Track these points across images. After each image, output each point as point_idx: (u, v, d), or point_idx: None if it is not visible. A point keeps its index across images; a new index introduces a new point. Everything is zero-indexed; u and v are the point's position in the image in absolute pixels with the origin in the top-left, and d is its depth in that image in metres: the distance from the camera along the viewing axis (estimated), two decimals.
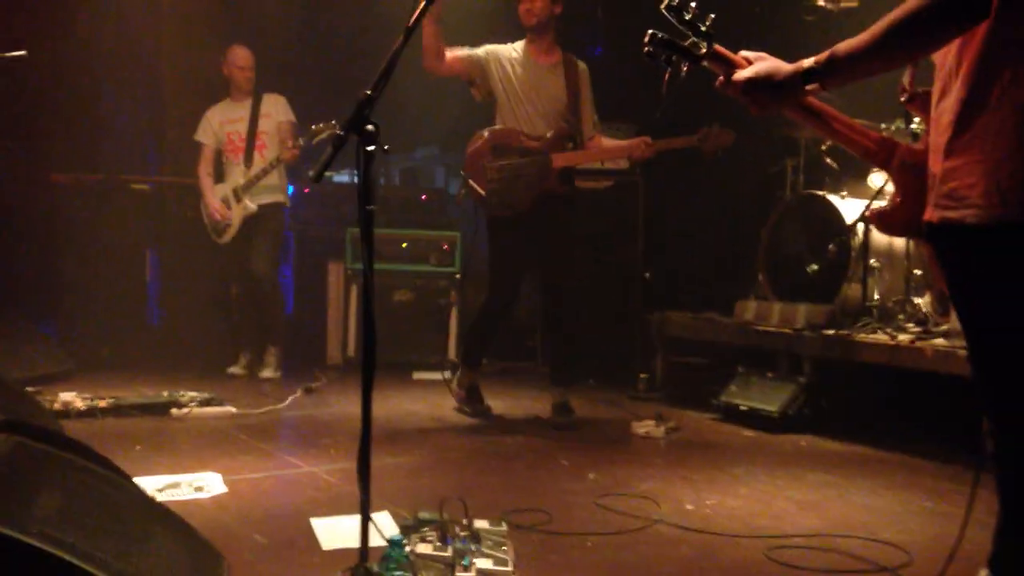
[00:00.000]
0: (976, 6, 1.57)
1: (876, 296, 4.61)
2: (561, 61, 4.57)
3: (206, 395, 4.57)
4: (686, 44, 1.89)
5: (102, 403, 4.34)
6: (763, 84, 1.79)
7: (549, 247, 4.52)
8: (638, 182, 5.99)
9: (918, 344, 4.04)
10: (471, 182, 4.45)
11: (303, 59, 7.17)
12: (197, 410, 4.44)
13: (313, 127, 5.27)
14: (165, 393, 4.59)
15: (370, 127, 2.13)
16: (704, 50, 1.88)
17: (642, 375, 5.45)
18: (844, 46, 1.70)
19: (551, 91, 4.52)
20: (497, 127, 4.55)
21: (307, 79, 7.01)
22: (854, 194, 4.95)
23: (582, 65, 4.61)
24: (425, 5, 2.21)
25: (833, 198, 4.84)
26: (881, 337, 4.26)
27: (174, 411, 4.40)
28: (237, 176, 5.65)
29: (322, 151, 2.18)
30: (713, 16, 1.89)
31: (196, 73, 6.54)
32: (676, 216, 6.34)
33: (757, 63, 1.84)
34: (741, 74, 1.82)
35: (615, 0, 6.94)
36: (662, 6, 1.89)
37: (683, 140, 4.37)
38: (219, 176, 5.80)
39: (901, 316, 4.48)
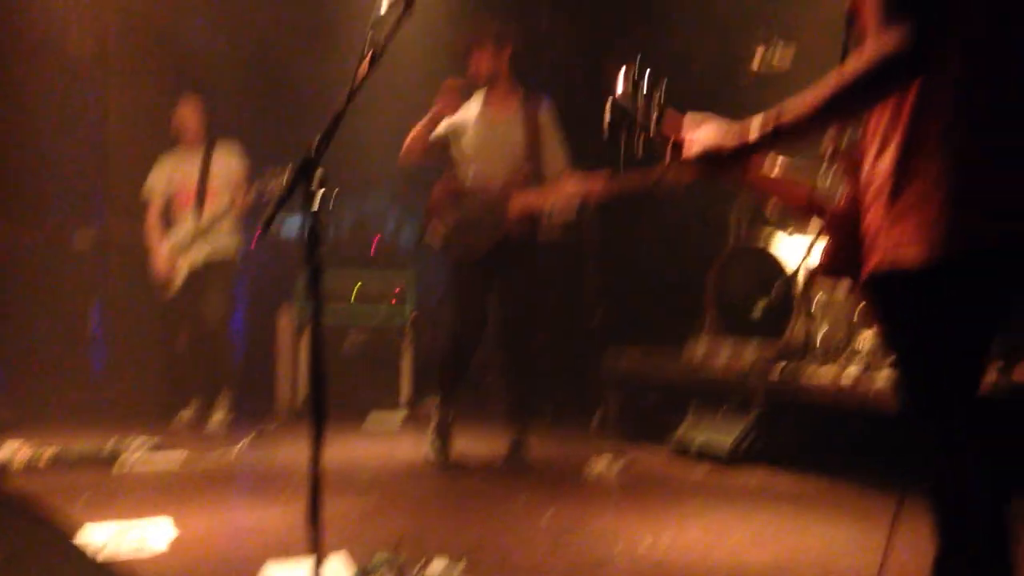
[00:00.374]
0: (915, 64, 1.63)
1: (822, 333, 4.70)
2: (520, 106, 4.62)
3: (154, 441, 4.49)
4: (642, 118, 1.88)
5: (48, 452, 4.24)
6: (714, 157, 1.81)
7: (508, 288, 4.57)
8: (590, 221, 6.04)
9: (864, 380, 4.12)
10: (432, 229, 4.55)
11: (255, 107, 7.16)
12: (145, 457, 4.35)
13: (267, 175, 5.29)
14: (112, 441, 4.50)
15: (319, 173, 2.14)
16: (654, 124, 1.87)
17: (596, 413, 5.48)
18: (791, 105, 1.73)
19: (509, 138, 4.57)
20: (455, 174, 4.63)
21: (260, 127, 7.01)
22: (800, 230, 5.06)
23: (544, 106, 4.64)
24: (372, 61, 2.24)
25: (780, 235, 4.95)
26: (828, 373, 4.34)
27: (121, 459, 4.31)
28: (187, 225, 5.61)
29: (275, 198, 2.18)
30: (663, 87, 1.89)
31: (144, 124, 6.48)
32: (628, 254, 6.42)
33: (702, 132, 1.83)
34: (690, 151, 1.83)
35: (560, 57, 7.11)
36: (624, 74, 1.89)
37: (638, 179, 4.42)
38: (168, 227, 5.75)
39: (847, 353, 4.57)
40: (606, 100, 1.92)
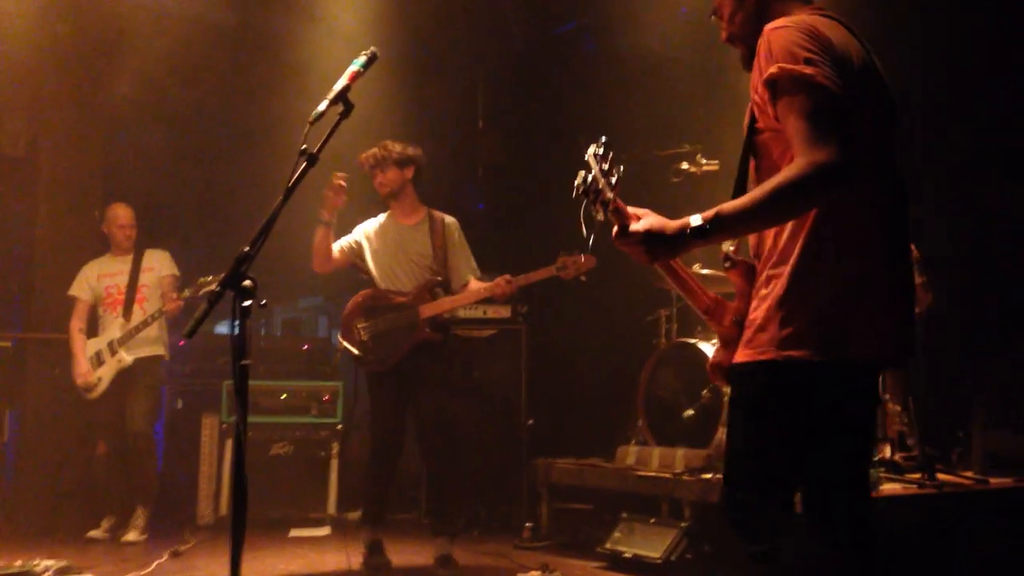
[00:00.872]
0: (845, 177, 1.85)
1: None
2: (426, 218, 4.78)
3: (63, 563, 4.26)
4: (603, 194, 1.98)
5: None
6: (656, 237, 1.95)
7: (424, 397, 4.61)
8: (521, 330, 6.10)
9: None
10: (345, 343, 4.64)
11: (186, 215, 7.15)
12: None
13: (200, 280, 5.30)
14: (18, 563, 4.25)
15: (247, 282, 2.14)
16: (611, 199, 1.98)
17: (527, 524, 5.40)
18: (730, 207, 1.91)
19: (416, 247, 4.70)
20: (366, 290, 4.71)
21: (192, 235, 6.98)
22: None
23: (449, 219, 4.80)
24: (305, 167, 2.28)
25: (704, 345, 5.05)
26: None
27: None
28: (114, 329, 5.53)
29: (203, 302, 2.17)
30: (622, 167, 2.01)
31: (71, 228, 6.40)
32: (559, 363, 6.46)
33: (646, 217, 1.99)
34: (637, 226, 1.96)
35: (494, 161, 7.33)
36: (591, 148, 2.01)
37: (543, 272, 4.51)
38: (93, 331, 5.64)
39: None
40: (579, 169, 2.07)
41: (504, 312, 5.93)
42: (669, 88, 5.94)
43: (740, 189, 2.10)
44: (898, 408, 4.84)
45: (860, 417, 2.07)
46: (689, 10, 6.12)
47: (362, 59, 2.46)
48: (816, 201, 1.91)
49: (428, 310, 4.58)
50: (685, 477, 4.63)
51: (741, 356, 2.05)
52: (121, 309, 5.54)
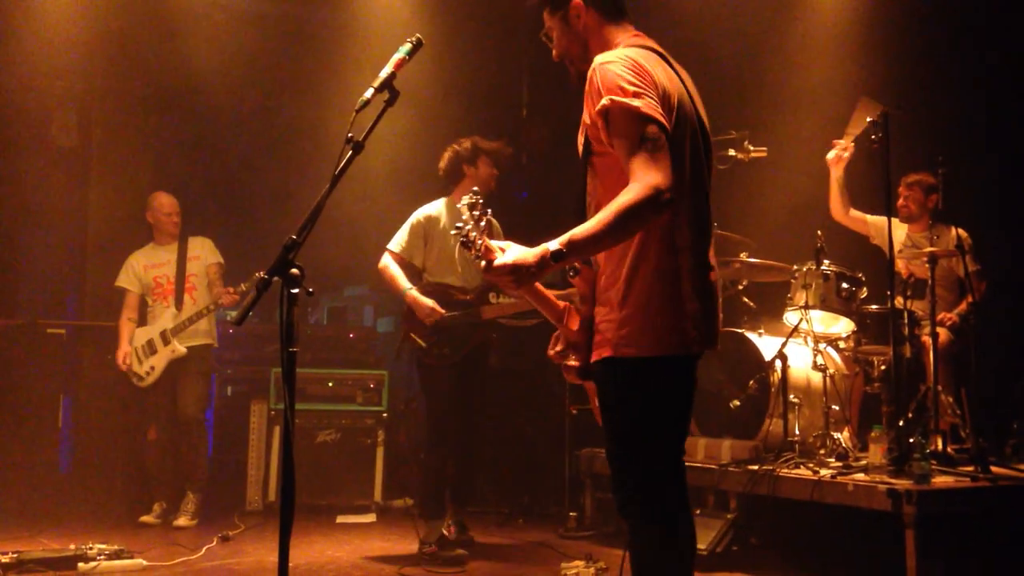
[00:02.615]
0: (670, 201, 2.12)
1: (797, 431, 4.70)
2: None
3: (115, 547, 4.35)
4: (468, 239, 2.22)
5: (4, 558, 4.09)
6: (521, 267, 2.16)
7: (474, 390, 4.77)
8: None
9: (839, 479, 4.10)
10: (412, 335, 4.66)
11: (231, 207, 7.24)
12: (106, 564, 4.20)
13: (256, 275, 5.30)
14: (72, 546, 4.35)
15: (294, 270, 2.15)
16: (477, 244, 2.21)
17: (571, 513, 5.39)
18: (580, 232, 2.14)
19: None
20: (431, 281, 4.73)
21: (234, 226, 7.06)
22: (771, 331, 5.12)
23: (496, 222, 4.78)
24: (352, 155, 2.29)
25: (751, 335, 4.99)
26: (804, 472, 4.31)
27: (81, 566, 4.16)
28: (167, 319, 5.59)
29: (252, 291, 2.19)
30: (489, 211, 2.28)
31: (122, 218, 6.48)
32: None
33: (509, 251, 2.20)
34: (502, 259, 2.18)
35: (537, 149, 7.30)
36: (465, 199, 2.25)
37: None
38: (142, 320, 5.70)
39: (822, 451, 4.56)
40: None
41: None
42: (716, 74, 5.86)
43: (580, 203, 2.37)
44: (950, 399, 4.75)
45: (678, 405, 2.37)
46: None
47: (407, 46, 2.45)
48: (649, 220, 2.15)
49: (490, 312, 4.70)
50: (731, 468, 4.58)
51: (610, 351, 2.29)
52: (172, 299, 5.61)
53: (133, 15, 6.43)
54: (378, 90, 2.36)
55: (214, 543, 4.81)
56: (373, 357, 6.58)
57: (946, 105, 5.55)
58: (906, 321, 4.58)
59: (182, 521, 5.39)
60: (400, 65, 2.41)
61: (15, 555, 4.15)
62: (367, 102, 2.34)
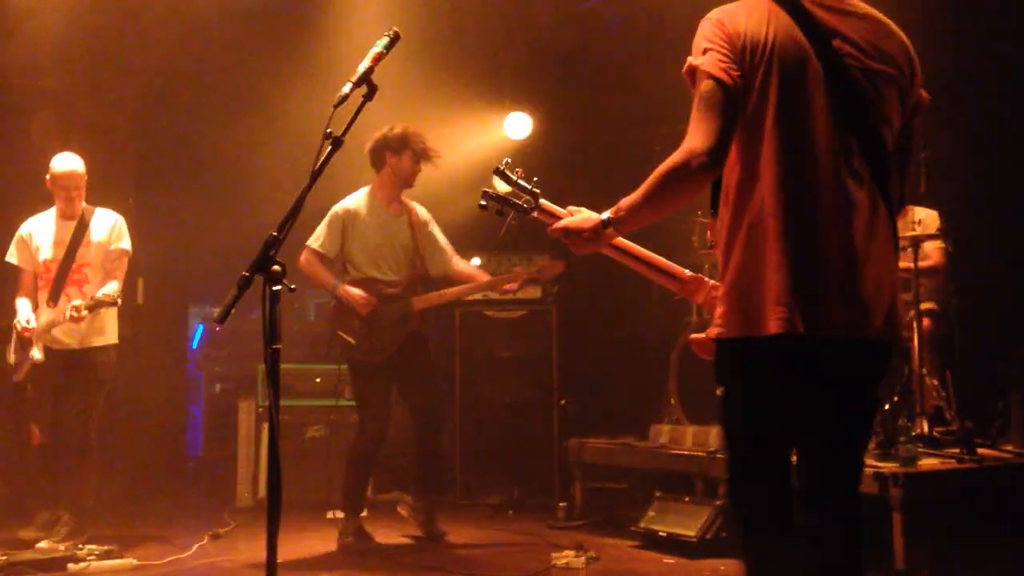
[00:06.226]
0: (709, 164, 2.01)
1: None
2: (404, 208, 4.82)
3: (105, 547, 4.33)
4: (518, 201, 2.36)
5: None
6: (575, 232, 2.22)
7: (419, 384, 4.75)
8: (550, 310, 6.10)
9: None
10: (340, 333, 4.67)
11: (213, 203, 7.15)
12: (96, 564, 4.19)
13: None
14: (63, 547, 4.34)
15: (276, 267, 2.15)
16: (532, 205, 2.37)
17: (561, 503, 5.41)
18: (627, 199, 2.10)
19: (399, 237, 4.76)
20: (355, 276, 4.70)
21: (219, 223, 6.97)
22: None
23: (421, 208, 4.87)
24: (331, 151, 2.28)
25: None
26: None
27: (71, 566, 4.14)
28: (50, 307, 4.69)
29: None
30: (536, 178, 2.38)
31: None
32: (589, 342, 6.44)
33: (576, 215, 2.26)
34: (558, 224, 2.26)
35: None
36: (493, 170, 2.33)
37: (524, 273, 4.79)
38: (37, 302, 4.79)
39: None
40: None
41: (534, 292, 5.94)
42: None
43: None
44: (935, 382, 4.78)
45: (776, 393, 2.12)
46: None
47: (385, 40, 2.44)
48: (689, 186, 2.04)
49: (421, 303, 4.67)
50: (719, 455, 4.60)
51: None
52: (49, 290, 4.78)
53: (113, 11, 6.34)
54: (356, 84, 2.35)
55: (205, 541, 4.80)
56: None
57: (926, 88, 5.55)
58: None
59: (45, 545, 4.43)
60: (378, 59, 2.40)
61: (5, 556, 4.14)
62: (345, 97, 2.33)
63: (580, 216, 2.25)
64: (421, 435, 4.80)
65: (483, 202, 2.53)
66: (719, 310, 2.11)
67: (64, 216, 4.84)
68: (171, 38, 6.26)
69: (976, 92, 5.40)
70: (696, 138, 2.02)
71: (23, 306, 4.75)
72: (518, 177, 2.46)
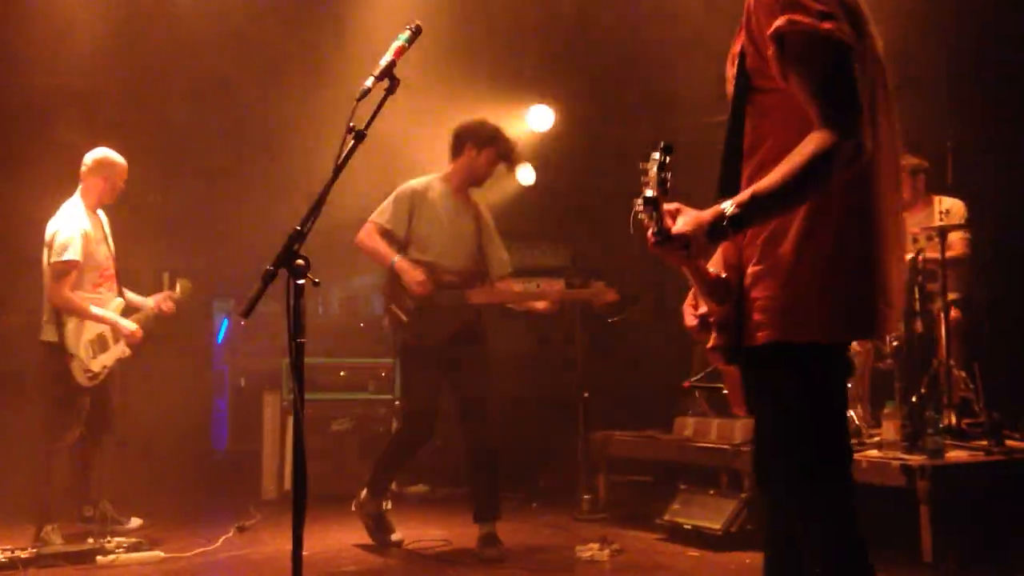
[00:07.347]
0: (864, 150, 1.73)
1: None
2: (471, 202, 4.69)
3: (133, 540, 4.38)
4: (653, 199, 1.77)
5: (23, 554, 4.12)
6: (696, 234, 1.76)
7: (467, 379, 4.53)
8: (575, 307, 6.08)
9: (853, 455, 4.09)
10: (394, 308, 4.53)
11: (238, 197, 7.19)
12: (124, 556, 4.24)
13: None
14: (90, 540, 4.39)
15: (300, 261, 2.16)
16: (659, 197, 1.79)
17: (585, 496, 5.41)
18: (764, 187, 1.73)
19: (464, 228, 4.61)
20: (415, 259, 4.50)
21: (243, 218, 7.00)
22: None
23: (486, 210, 4.76)
24: (354, 144, 2.28)
25: None
26: None
27: (99, 559, 4.20)
28: (114, 309, 4.80)
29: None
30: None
31: (126, 217, 5.66)
32: (614, 335, 6.43)
33: (682, 215, 1.78)
34: (681, 228, 1.76)
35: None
36: (659, 149, 1.78)
37: (586, 293, 4.70)
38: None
39: None
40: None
41: (558, 285, 5.92)
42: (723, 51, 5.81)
43: (735, 153, 1.90)
44: (963, 374, 4.73)
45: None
46: None
47: (407, 33, 2.44)
48: (841, 175, 1.74)
49: (478, 297, 4.53)
50: (744, 448, 4.58)
51: (759, 331, 1.89)
52: (115, 282, 4.93)
53: (139, 10, 6.38)
54: (378, 78, 2.35)
55: (231, 533, 4.84)
56: (384, 345, 6.58)
57: (954, 78, 5.49)
58: (918, 296, 4.56)
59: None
60: (400, 52, 2.41)
61: (34, 550, 4.19)
62: (367, 91, 2.33)
63: (692, 215, 1.78)
64: (467, 439, 4.54)
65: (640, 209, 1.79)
66: (783, 311, 1.83)
67: (93, 209, 4.86)
68: (197, 36, 6.29)
69: (1005, 81, 5.32)
70: (847, 121, 1.71)
71: (110, 310, 4.74)
72: (667, 171, 1.80)
